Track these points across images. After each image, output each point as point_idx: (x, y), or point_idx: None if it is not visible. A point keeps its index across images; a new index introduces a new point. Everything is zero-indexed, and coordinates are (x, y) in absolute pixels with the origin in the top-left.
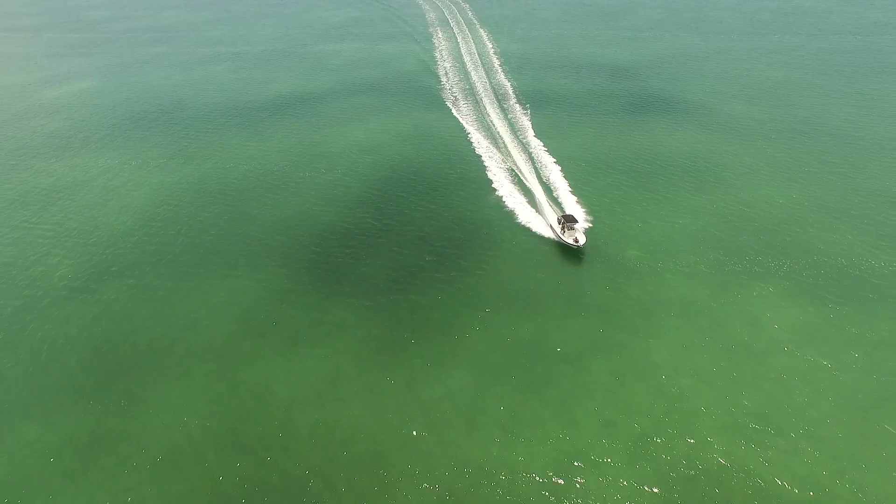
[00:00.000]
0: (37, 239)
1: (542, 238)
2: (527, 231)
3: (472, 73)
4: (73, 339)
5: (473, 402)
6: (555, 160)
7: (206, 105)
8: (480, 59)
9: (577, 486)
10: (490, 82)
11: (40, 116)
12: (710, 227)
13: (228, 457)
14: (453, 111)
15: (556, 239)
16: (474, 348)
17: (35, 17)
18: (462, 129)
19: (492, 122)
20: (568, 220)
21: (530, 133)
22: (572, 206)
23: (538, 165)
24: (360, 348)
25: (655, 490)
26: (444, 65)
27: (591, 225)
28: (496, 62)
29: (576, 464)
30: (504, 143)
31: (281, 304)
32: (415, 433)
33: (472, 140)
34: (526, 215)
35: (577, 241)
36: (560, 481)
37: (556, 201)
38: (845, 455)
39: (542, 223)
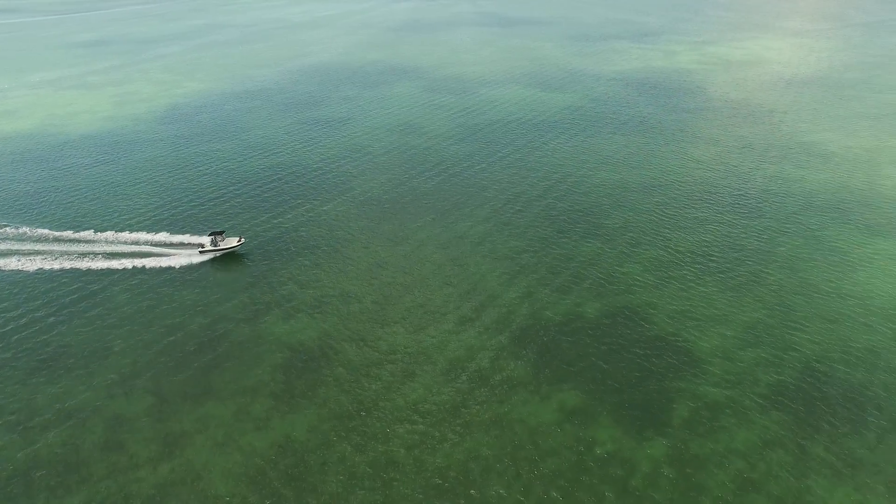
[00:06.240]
0: None
1: (196, 266)
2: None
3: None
4: None
5: None
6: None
7: None
8: None
9: None
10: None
11: None
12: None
13: None
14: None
15: (212, 255)
16: None
17: None
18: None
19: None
20: (218, 234)
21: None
22: (193, 237)
23: (125, 239)
24: None
25: None
26: None
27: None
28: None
29: None
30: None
31: None
32: None
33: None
34: (163, 262)
35: (240, 240)
36: None
37: (172, 244)
38: None
39: (185, 256)
